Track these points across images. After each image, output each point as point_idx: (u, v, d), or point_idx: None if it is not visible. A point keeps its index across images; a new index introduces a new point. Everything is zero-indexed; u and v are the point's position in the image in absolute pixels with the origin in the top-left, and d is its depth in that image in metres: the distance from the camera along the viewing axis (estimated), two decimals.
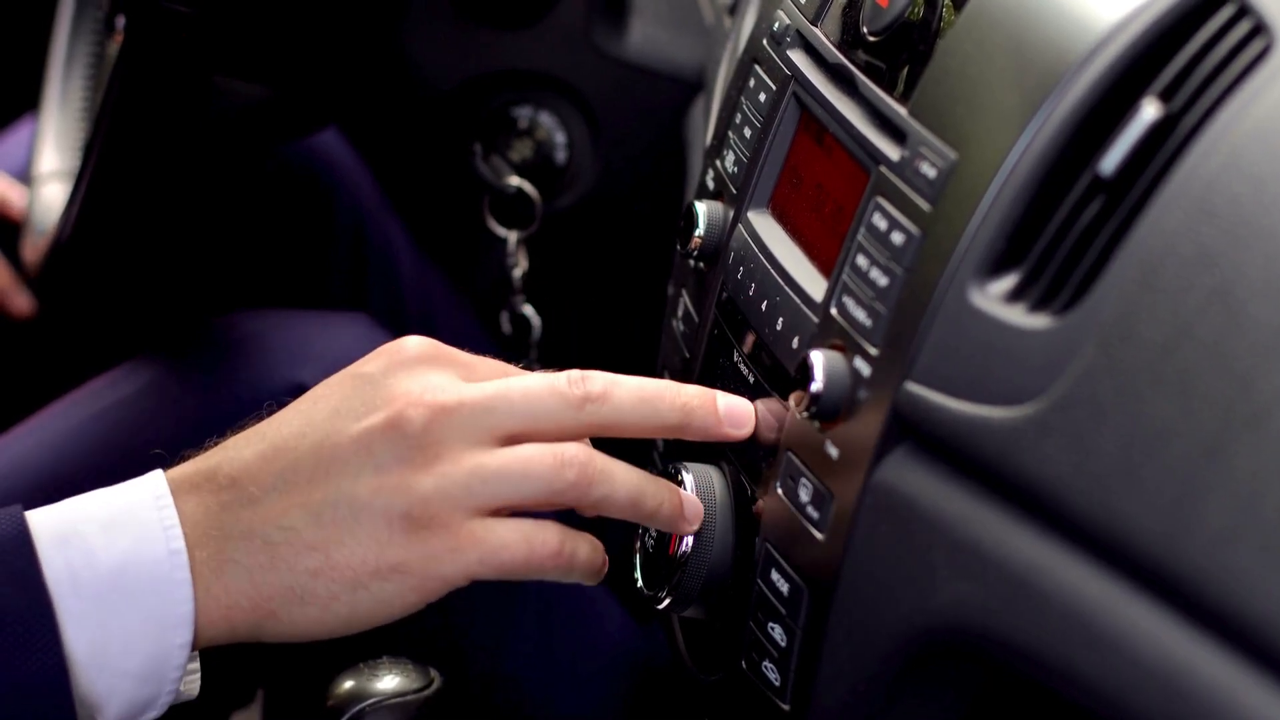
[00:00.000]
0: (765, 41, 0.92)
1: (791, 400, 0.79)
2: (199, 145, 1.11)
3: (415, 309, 1.39)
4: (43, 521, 0.78)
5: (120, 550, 0.77)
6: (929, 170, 0.75)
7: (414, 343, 0.83)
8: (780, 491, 0.82)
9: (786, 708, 0.82)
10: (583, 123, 1.36)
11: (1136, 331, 0.66)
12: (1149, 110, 0.69)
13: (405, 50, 1.34)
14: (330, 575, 0.78)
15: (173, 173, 1.10)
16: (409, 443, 0.79)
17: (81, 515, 0.79)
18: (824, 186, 0.84)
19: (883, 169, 0.78)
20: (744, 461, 0.86)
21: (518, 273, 1.37)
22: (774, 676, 0.82)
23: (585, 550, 0.82)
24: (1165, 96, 0.69)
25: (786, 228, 0.88)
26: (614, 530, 0.89)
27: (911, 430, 0.74)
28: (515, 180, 1.35)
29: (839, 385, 0.77)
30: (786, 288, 0.84)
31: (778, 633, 0.81)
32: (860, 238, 0.78)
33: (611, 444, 0.85)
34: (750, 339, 0.87)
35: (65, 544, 0.77)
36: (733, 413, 0.85)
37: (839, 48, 0.86)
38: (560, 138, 1.36)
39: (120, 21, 1.08)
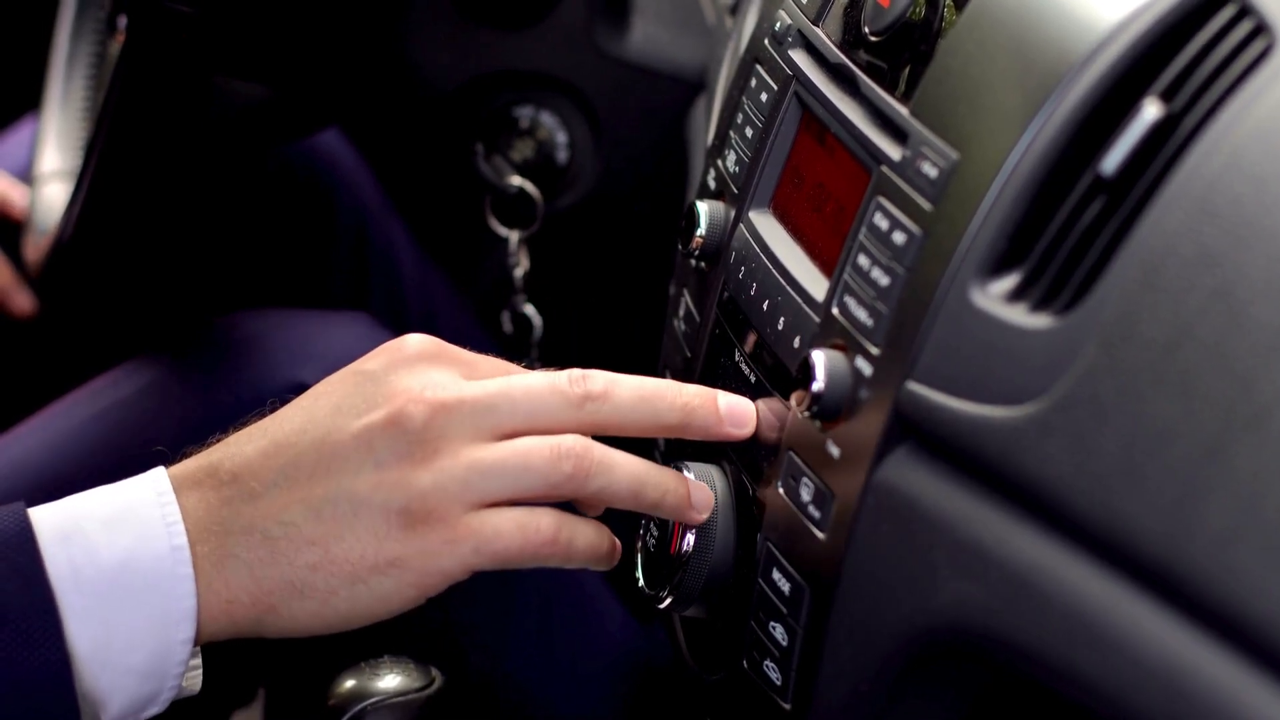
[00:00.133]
0: (767, 41, 0.92)
1: (793, 400, 0.79)
2: (200, 145, 1.11)
3: (417, 309, 1.39)
4: (45, 518, 0.78)
5: (123, 546, 0.78)
6: (930, 170, 0.75)
7: (415, 340, 0.83)
8: (782, 491, 0.82)
9: (788, 707, 0.82)
10: (584, 123, 1.36)
11: (1138, 331, 0.66)
12: (1150, 110, 0.69)
13: (406, 51, 1.34)
14: (329, 570, 0.79)
15: (174, 172, 1.10)
16: (409, 439, 0.79)
17: (84, 512, 0.79)
18: (825, 186, 0.84)
19: (884, 169, 0.78)
20: (745, 461, 0.86)
21: (519, 272, 1.37)
22: (775, 676, 0.82)
23: (586, 535, 0.82)
24: (1166, 96, 0.69)
25: (788, 227, 0.88)
26: (616, 529, 0.89)
27: (913, 430, 0.74)
28: (517, 180, 1.35)
29: (840, 385, 0.77)
30: (788, 287, 0.84)
31: (779, 632, 0.81)
32: (862, 237, 0.78)
33: (614, 444, 0.85)
34: (752, 338, 0.87)
35: (68, 540, 0.77)
36: (734, 412, 0.85)
37: (840, 47, 0.86)
38: (562, 138, 1.36)
39: (122, 21, 1.08)
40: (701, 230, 0.92)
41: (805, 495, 0.80)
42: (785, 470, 0.81)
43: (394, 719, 0.84)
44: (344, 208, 1.38)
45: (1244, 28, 0.69)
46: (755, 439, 0.85)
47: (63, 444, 1.11)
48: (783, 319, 0.84)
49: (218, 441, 0.82)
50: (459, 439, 0.79)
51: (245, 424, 0.82)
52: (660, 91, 1.33)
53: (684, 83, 1.32)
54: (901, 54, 0.81)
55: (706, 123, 1.16)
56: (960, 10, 0.78)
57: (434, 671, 0.86)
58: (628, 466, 0.82)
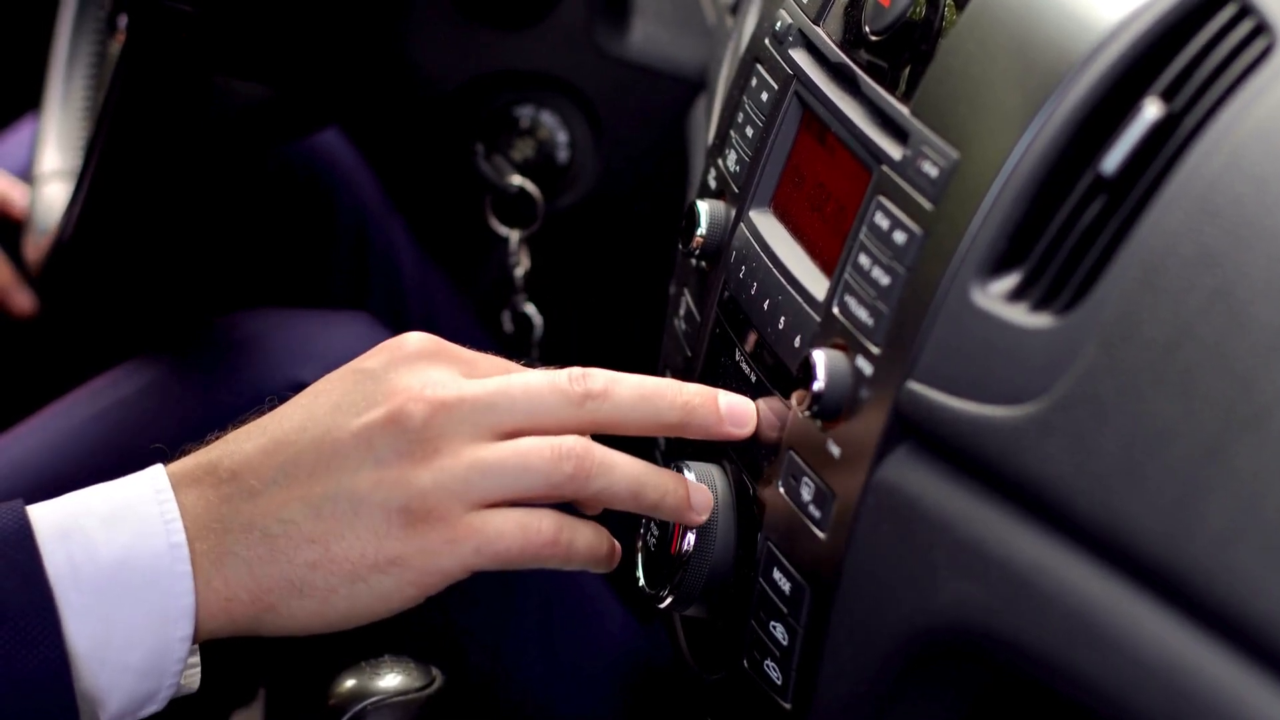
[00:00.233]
0: (767, 41, 0.92)
1: (793, 399, 0.79)
2: (200, 145, 1.11)
3: (417, 308, 1.39)
4: (44, 516, 0.78)
5: (121, 544, 0.77)
6: (931, 169, 0.75)
7: (415, 339, 0.83)
8: (782, 490, 0.82)
9: (788, 706, 0.82)
10: (584, 122, 1.36)
11: (1138, 331, 0.66)
12: (1151, 110, 0.69)
13: (407, 51, 1.35)
14: (329, 568, 0.78)
15: (174, 172, 1.10)
16: (409, 437, 0.79)
17: (82, 509, 0.79)
18: (826, 185, 0.84)
19: (885, 168, 0.78)
20: (746, 460, 0.86)
21: (519, 272, 1.37)
22: (776, 675, 0.82)
23: (586, 537, 0.82)
24: (1167, 96, 0.69)
25: (788, 227, 0.88)
26: (616, 529, 0.89)
27: (913, 429, 0.74)
28: (517, 179, 1.35)
29: (841, 384, 0.77)
30: (788, 287, 0.84)
31: (779, 631, 0.81)
32: (862, 237, 0.78)
33: (614, 443, 0.85)
34: (752, 338, 0.87)
35: (66, 538, 0.77)
36: (734, 411, 0.85)
37: (841, 47, 0.86)
38: (562, 137, 1.37)
39: (122, 21, 1.08)
40: (702, 230, 0.92)
41: (806, 495, 0.80)
42: (786, 470, 0.81)
43: (394, 718, 0.84)
44: (344, 208, 1.38)
45: (1244, 28, 0.69)
46: (756, 438, 0.85)
47: (63, 444, 1.11)
48: (783, 318, 0.84)
49: (217, 439, 0.82)
50: (459, 437, 0.79)
51: (244, 422, 0.82)
52: (660, 91, 1.33)
53: (684, 82, 1.32)
54: (902, 53, 0.81)
55: (707, 122, 1.16)
56: (961, 10, 0.78)
57: (434, 671, 0.86)
58: (628, 468, 0.82)
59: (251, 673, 1.20)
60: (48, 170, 1.25)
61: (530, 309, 1.38)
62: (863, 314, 0.77)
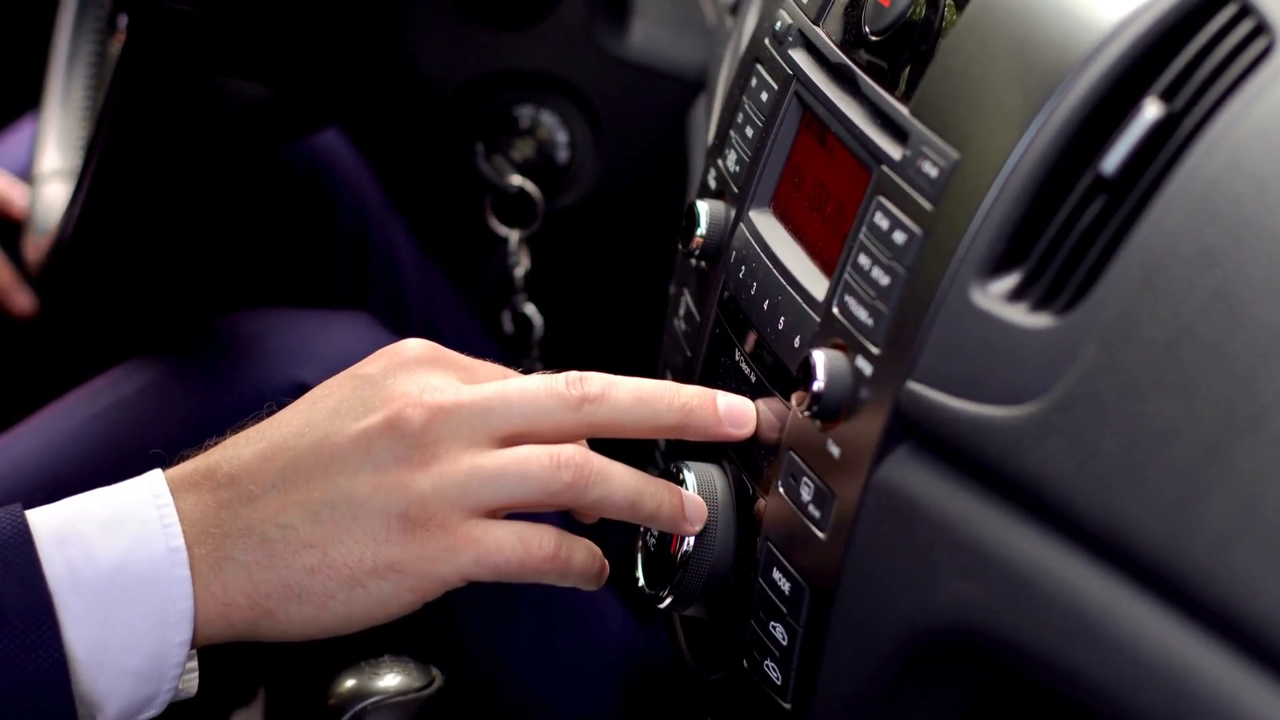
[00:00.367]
0: (767, 41, 0.92)
1: (793, 399, 0.79)
2: (200, 144, 1.11)
3: (417, 308, 1.39)
4: (43, 521, 0.78)
5: (120, 549, 0.77)
6: (931, 170, 0.75)
7: (414, 345, 0.83)
8: (782, 491, 0.82)
9: (788, 706, 0.82)
10: (584, 122, 1.36)
11: (1138, 331, 0.66)
12: (1151, 110, 0.69)
13: (407, 51, 1.34)
14: (327, 573, 0.78)
15: (174, 172, 1.10)
16: (407, 442, 0.79)
17: (81, 514, 0.79)
18: (826, 186, 0.84)
19: (884, 168, 0.78)
20: (745, 461, 0.86)
21: (519, 272, 1.37)
22: (775, 675, 0.82)
23: (582, 554, 0.82)
24: (1167, 96, 0.69)
25: (788, 227, 0.88)
26: (616, 531, 0.89)
27: (913, 430, 0.74)
28: (517, 179, 1.35)
29: (840, 384, 0.77)
30: (788, 287, 0.84)
31: (779, 632, 0.81)
32: (862, 237, 0.78)
33: (614, 445, 0.85)
34: (752, 338, 0.87)
35: (65, 543, 0.77)
36: (733, 412, 0.85)
37: (841, 47, 0.86)
38: (562, 137, 1.36)
39: (122, 20, 1.08)
40: (702, 230, 0.92)
41: (805, 495, 0.80)
42: (785, 470, 0.81)
43: (394, 718, 0.84)
44: (344, 207, 1.38)
45: (1244, 27, 0.69)
46: (755, 439, 0.85)
47: (63, 444, 1.11)
48: (783, 318, 0.84)
49: (215, 445, 0.82)
50: (457, 443, 0.79)
51: (243, 427, 0.82)
52: (660, 91, 1.33)
53: (684, 82, 1.32)
54: (902, 53, 0.81)
55: (707, 122, 1.16)
56: (961, 10, 0.78)
57: (434, 671, 0.86)
58: (625, 478, 0.82)
59: (251, 673, 1.20)
60: (48, 170, 1.25)
61: (530, 309, 1.38)
62: (862, 314, 0.77)
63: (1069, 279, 0.70)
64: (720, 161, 0.94)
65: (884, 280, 0.76)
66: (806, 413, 0.78)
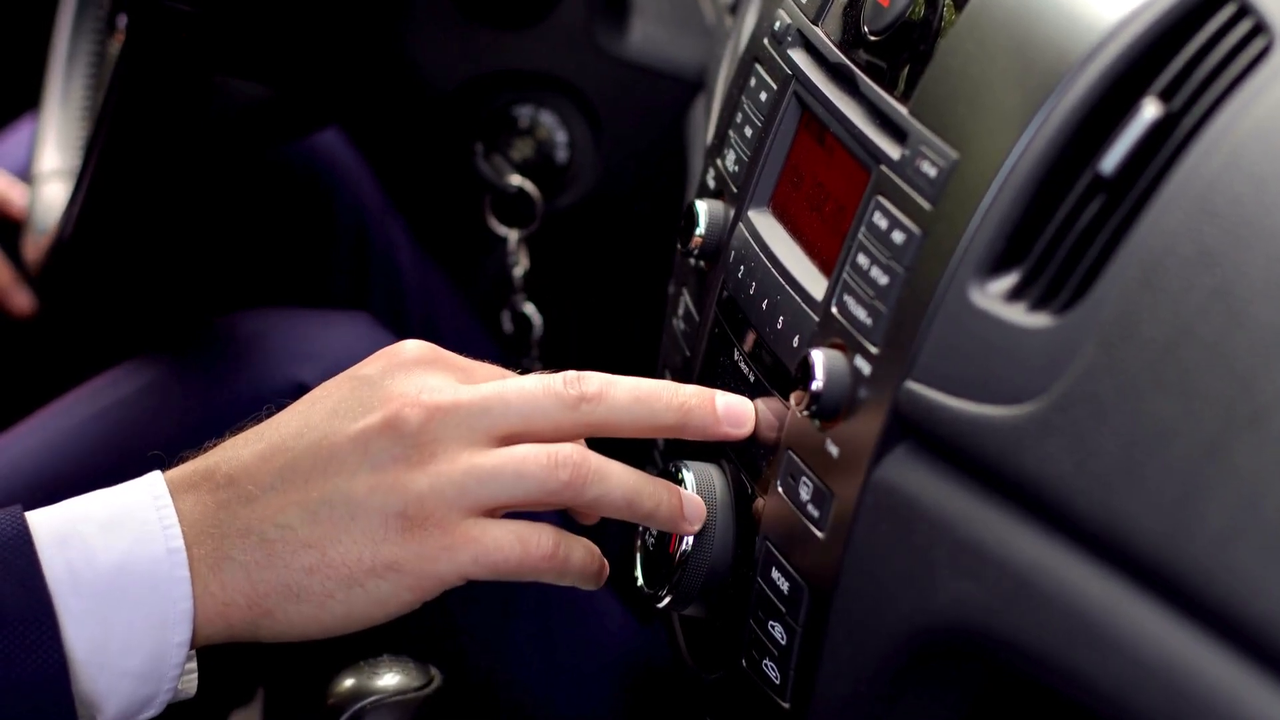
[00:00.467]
0: (766, 41, 0.92)
1: (792, 399, 0.79)
2: (200, 144, 1.11)
3: (417, 308, 1.39)
4: (43, 522, 0.78)
5: (120, 549, 0.78)
6: (930, 169, 0.75)
7: (412, 346, 0.83)
8: (780, 490, 0.82)
9: (787, 706, 0.82)
10: (584, 122, 1.36)
11: (1137, 331, 0.66)
12: (1149, 109, 0.69)
13: (407, 50, 1.35)
14: (326, 573, 0.79)
15: (173, 172, 1.10)
16: (406, 442, 0.79)
17: (81, 515, 0.79)
18: (825, 185, 0.84)
19: (883, 168, 0.78)
20: (744, 460, 0.86)
21: (519, 271, 1.37)
22: (774, 675, 0.82)
23: (580, 554, 0.82)
24: (1166, 96, 0.69)
25: (787, 227, 0.88)
26: (615, 531, 0.89)
27: (912, 429, 0.74)
28: (516, 179, 1.35)
29: (839, 384, 0.77)
30: (787, 286, 0.84)
31: (778, 631, 0.81)
32: (861, 237, 0.78)
33: (613, 444, 0.85)
34: (751, 338, 0.87)
35: (65, 544, 0.78)
36: (731, 412, 0.85)
37: (840, 47, 0.86)
38: (561, 137, 1.37)
39: (121, 20, 1.08)
40: (701, 229, 0.92)
41: (804, 494, 0.80)
42: (784, 470, 0.81)
43: (393, 718, 0.84)
44: (344, 207, 1.38)
45: (1243, 27, 0.69)
46: (754, 438, 0.85)
47: (62, 444, 1.11)
48: (782, 318, 0.84)
49: (214, 446, 0.82)
50: (455, 443, 0.79)
51: (242, 428, 0.83)
52: (660, 91, 1.33)
53: (684, 82, 1.32)
54: (901, 53, 0.81)
55: (706, 122, 1.16)
56: (960, 10, 0.78)
57: (433, 670, 0.86)
58: (623, 477, 0.82)
59: (250, 673, 1.20)
60: (47, 170, 1.25)
61: (530, 309, 1.38)
62: (861, 314, 0.77)
63: (1068, 279, 0.70)
64: (719, 161, 0.94)
65: (883, 280, 0.76)
66: (805, 412, 0.78)
